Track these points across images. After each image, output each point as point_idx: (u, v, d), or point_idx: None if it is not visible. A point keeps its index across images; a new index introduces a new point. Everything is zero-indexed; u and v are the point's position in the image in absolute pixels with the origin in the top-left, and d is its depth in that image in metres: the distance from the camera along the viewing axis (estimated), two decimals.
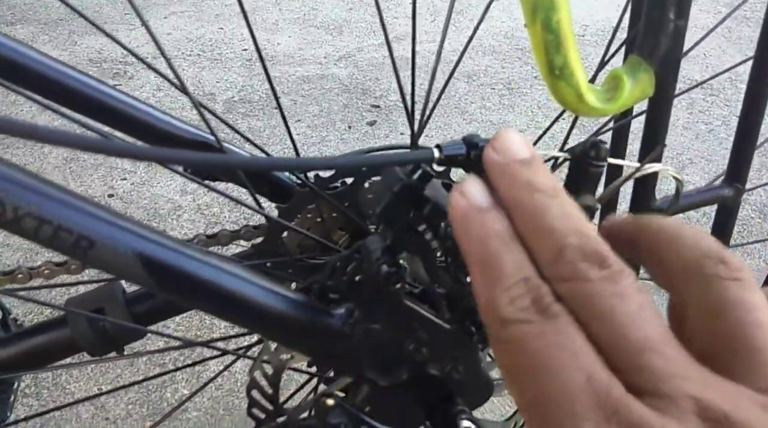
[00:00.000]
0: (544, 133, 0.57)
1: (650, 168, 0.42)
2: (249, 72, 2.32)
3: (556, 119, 0.58)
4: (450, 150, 0.37)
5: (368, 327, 0.40)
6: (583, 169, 0.40)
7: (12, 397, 0.66)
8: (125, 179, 1.85)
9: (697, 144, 1.93)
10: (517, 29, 2.62)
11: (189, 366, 1.10)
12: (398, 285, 0.39)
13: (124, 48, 0.47)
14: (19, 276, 0.56)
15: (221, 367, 1.26)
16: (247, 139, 0.51)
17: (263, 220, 0.61)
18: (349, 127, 2.01)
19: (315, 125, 2.02)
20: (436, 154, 0.37)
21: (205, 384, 0.73)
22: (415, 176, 0.38)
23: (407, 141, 0.52)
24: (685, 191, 0.50)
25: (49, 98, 0.56)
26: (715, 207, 0.53)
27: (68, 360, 0.60)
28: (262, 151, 0.53)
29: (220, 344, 0.95)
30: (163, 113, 0.58)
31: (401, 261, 0.42)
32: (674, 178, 0.44)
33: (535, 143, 0.63)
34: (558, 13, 0.38)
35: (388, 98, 2.15)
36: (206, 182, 0.57)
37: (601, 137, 0.42)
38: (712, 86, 2.23)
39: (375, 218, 0.54)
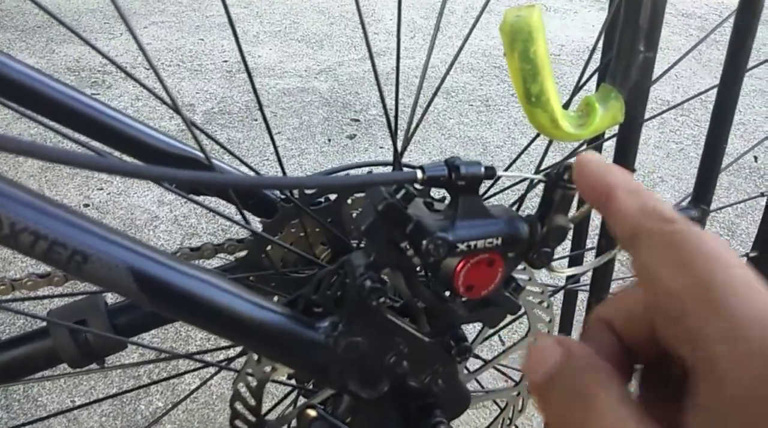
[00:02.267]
0: (520, 154, 0.59)
1: None
2: (229, 83, 2.33)
3: (531, 142, 0.60)
4: (432, 171, 0.39)
5: (351, 340, 0.42)
6: (556, 191, 0.42)
7: None
8: (101, 189, 1.83)
9: (668, 163, 1.98)
10: (494, 47, 2.67)
11: (165, 379, 1.10)
12: (381, 300, 0.41)
13: (107, 59, 0.47)
14: (1, 287, 0.56)
15: (197, 380, 1.26)
16: (235, 156, 0.53)
17: (245, 234, 0.62)
18: (329, 140, 2.03)
19: (295, 138, 2.03)
20: (419, 175, 0.38)
21: (185, 398, 0.73)
22: (399, 195, 0.40)
23: (387, 155, 0.53)
24: None
25: (34, 110, 0.56)
26: None
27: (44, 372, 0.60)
28: (250, 168, 0.54)
29: (206, 357, 0.95)
30: (150, 127, 0.59)
31: (383, 277, 0.44)
32: None
33: (511, 164, 0.66)
34: (535, 44, 0.41)
35: (367, 112, 2.17)
36: (191, 196, 0.58)
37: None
38: (682, 107, 2.30)
39: (359, 235, 0.56)
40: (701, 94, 0.57)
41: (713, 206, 0.55)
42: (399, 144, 0.52)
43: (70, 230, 0.33)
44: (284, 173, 0.56)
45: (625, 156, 0.46)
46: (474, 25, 0.58)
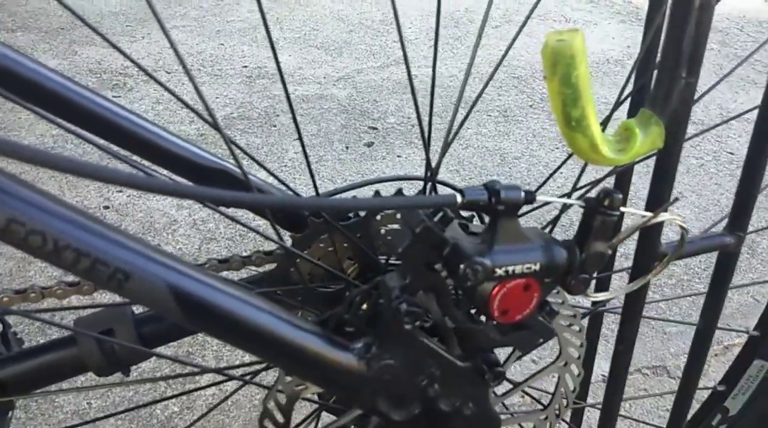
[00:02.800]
0: (552, 173, 0.59)
1: (661, 217, 0.44)
2: (248, 89, 2.34)
3: (564, 162, 0.60)
4: (472, 195, 0.39)
5: (385, 362, 0.41)
6: (596, 217, 0.41)
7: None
8: (121, 191, 1.85)
9: (688, 178, 1.97)
10: (513, 58, 2.66)
11: (182, 394, 1.10)
12: (416, 324, 0.41)
13: (134, 62, 0.47)
14: (32, 295, 0.56)
15: (214, 389, 1.26)
16: (267, 170, 0.53)
17: (272, 246, 0.62)
18: (347, 148, 2.03)
19: (313, 145, 2.03)
20: (459, 199, 0.38)
21: (208, 412, 0.73)
22: (436, 219, 0.40)
23: (404, 164, 0.53)
24: (690, 237, 0.52)
25: (55, 113, 0.56)
26: None
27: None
28: (284, 184, 0.54)
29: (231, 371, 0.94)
30: (178, 137, 0.59)
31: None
32: (680, 227, 0.46)
33: (543, 184, 0.65)
34: (578, 68, 0.40)
35: (385, 120, 2.17)
36: (220, 209, 0.58)
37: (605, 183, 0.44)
38: (702, 122, 2.28)
39: (396, 256, 0.55)
40: (743, 114, 0.56)
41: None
42: (434, 160, 0.52)
43: (113, 248, 0.33)
44: (315, 187, 0.56)
45: (664, 181, 0.46)
46: (479, 37, 0.58)
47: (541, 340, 0.46)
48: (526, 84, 2.47)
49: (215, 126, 0.43)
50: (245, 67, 2.49)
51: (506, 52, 0.55)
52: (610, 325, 1.43)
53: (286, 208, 0.48)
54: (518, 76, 2.51)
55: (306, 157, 0.49)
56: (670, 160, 0.46)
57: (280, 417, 0.45)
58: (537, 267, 0.41)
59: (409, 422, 0.44)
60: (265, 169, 0.55)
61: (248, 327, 0.36)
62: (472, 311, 0.45)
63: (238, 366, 0.59)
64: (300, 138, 0.49)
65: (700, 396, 0.95)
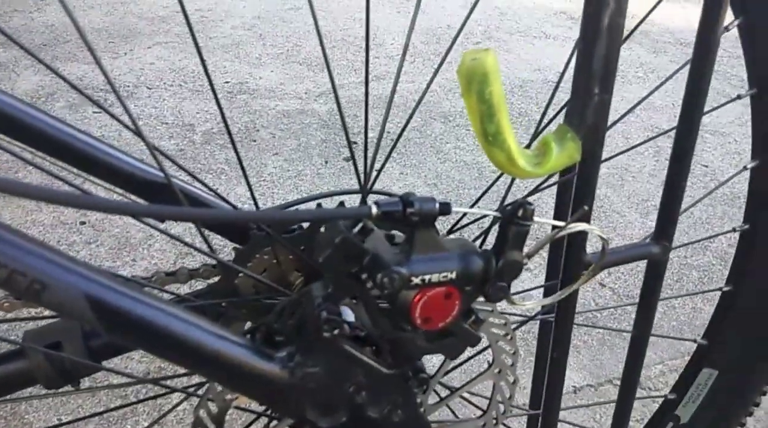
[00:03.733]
0: (484, 192, 0.61)
1: (575, 227, 0.46)
2: (229, 104, 2.36)
3: (496, 180, 0.62)
4: (387, 207, 0.40)
5: (308, 370, 0.43)
6: (510, 228, 0.43)
7: None
8: None
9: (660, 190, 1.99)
10: None
11: (151, 398, 1.10)
12: (336, 331, 0.42)
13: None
14: None
15: (186, 405, 1.26)
16: (197, 179, 0.54)
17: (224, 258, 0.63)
18: (326, 162, 2.05)
19: (292, 159, 2.05)
20: (374, 210, 0.40)
21: (162, 416, 0.73)
22: (356, 230, 0.41)
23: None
24: (615, 247, 0.54)
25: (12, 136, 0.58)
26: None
27: (28, 391, 0.61)
28: (220, 197, 0.55)
29: (170, 382, 0.95)
30: (113, 147, 0.61)
31: (344, 307, 0.45)
32: (599, 236, 0.48)
33: (476, 202, 0.67)
34: (490, 85, 0.42)
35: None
36: (154, 224, 0.60)
37: (530, 199, 0.45)
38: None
39: (318, 266, 0.57)
40: (660, 136, 0.58)
41: (694, 238, 0.56)
42: (364, 175, 0.53)
43: (29, 258, 0.34)
44: (253, 195, 0.57)
45: (583, 194, 0.47)
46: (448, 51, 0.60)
47: (468, 347, 0.48)
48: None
49: (137, 132, 0.44)
50: (227, 82, 2.52)
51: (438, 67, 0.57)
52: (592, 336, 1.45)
53: (212, 220, 0.49)
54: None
55: (241, 166, 0.50)
56: (590, 173, 0.48)
57: (212, 427, 0.46)
58: (453, 275, 0.42)
59: None
60: (188, 172, 0.56)
61: (167, 336, 0.37)
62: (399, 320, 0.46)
63: (181, 376, 0.60)
64: (234, 148, 0.51)
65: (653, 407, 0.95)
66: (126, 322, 0.36)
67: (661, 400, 0.84)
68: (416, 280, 0.41)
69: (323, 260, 0.41)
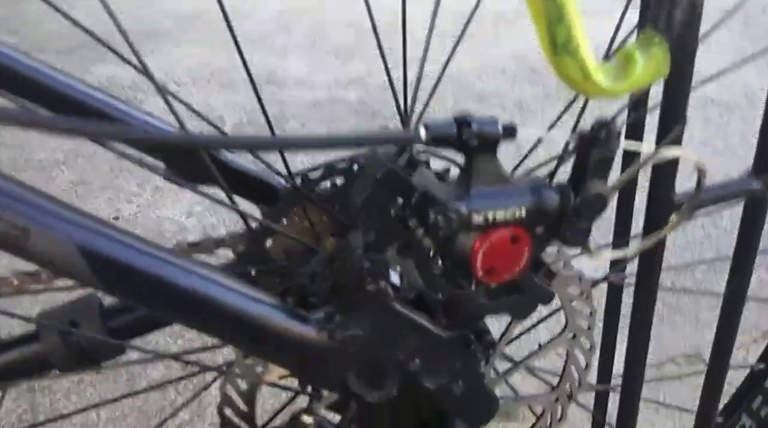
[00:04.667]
0: (560, 116, 0.53)
1: (668, 153, 0.38)
2: None
3: (571, 103, 0.54)
4: (439, 129, 0.33)
5: (350, 332, 0.36)
6: (592, 152, 0.35)
7: None
8: (131, 202, 1.83)
9: (715, 159, 1.87)
10: (528, 50, 2.59)
11: (181, 379, 1.05)
12: (382, 284, 0.35)
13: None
14: None
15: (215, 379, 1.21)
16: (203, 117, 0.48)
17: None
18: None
19: None
20: (423, 134, 0.32)
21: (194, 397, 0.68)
22: (401, 161, 0.34)
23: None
24: (709, 185, 0.45)
25: None
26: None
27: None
28: (216, 127, 0.49)
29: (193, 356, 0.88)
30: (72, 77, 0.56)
31: (389, 260, 0.38)
32: (696, 167, 0.39)
33: (552, 126, 0.59)
34: None
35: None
36: (192, 184, 0.54)
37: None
38: (728, 103, 2.19)
39: (357, 210, 0.50)
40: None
41: None
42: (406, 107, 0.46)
43: (8, 202, 0.28)
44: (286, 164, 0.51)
45: (674, 114, 0.39)
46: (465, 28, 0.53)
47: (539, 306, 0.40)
48: (541, 76, 2.40)
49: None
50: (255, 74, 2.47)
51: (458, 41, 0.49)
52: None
53: (178, 144, 0.42)
54: (533, 68, 2.44)
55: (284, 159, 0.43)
56: (679, 91, 0.40)
57: (243, 406, 0.39)
58: (523, 212, 0.35)
59: (388, 404, 0.38)
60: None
61: (177, 294, 0.30)
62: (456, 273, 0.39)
63: (209, 349, 0.54)
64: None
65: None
66: (127, 276, 0.30)
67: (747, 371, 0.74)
68: (478, 219, 0.34)
69: (363, 200, 0.34)
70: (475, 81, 2.38)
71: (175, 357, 0.47)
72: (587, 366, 0.48)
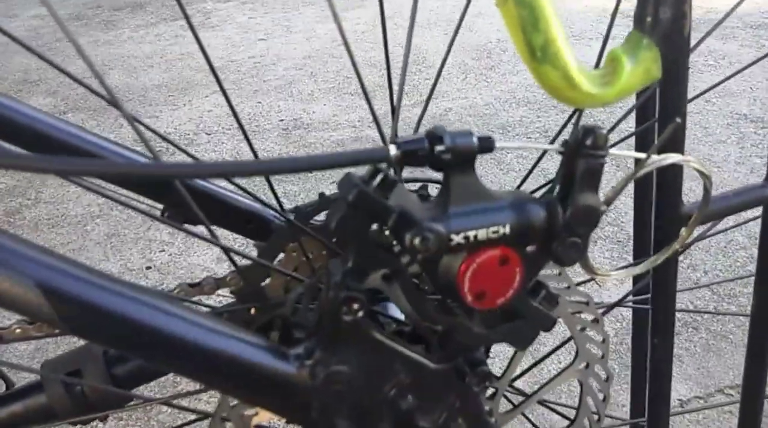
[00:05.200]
0: (560, 131, 0.51)
1: (664, 160, 0.35)
2: (285, 140, 2.36)
3: (569, 120, 0.51)
4: (409, 145, 0.31)
5: (333, 368, 0.33)
6: (578, 162, 0.33)
7: None
8: (163, 251, 1.86)
9: (753, 178, 1.80)
10: None
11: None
12: (358, 313, 0.33)
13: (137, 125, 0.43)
14: None
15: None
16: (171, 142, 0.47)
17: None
18: None
19: None
20: (393, 150, 0.31)
21: None
22: (375, 182, 0.33)
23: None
24: (720, 193, 0.42)
25: None
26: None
27: None
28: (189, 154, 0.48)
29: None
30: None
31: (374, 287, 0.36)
32: (697, 170, 0.37)
33: (555, 137, 0.56)
34: None
35: None
36: (185, 227, 0.53)
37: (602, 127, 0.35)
38: (763, 120, 2.12)
39: (330, 234, 0.48)
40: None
41: None
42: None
43: None
44: (276, 198, 0.49)
45: (669, 119, 0.37)
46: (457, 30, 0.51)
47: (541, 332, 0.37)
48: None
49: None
50: (281, 120, 2.52)
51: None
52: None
53: (138, 175, 0.41)
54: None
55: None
56: (675, 90, 0.37)
57: None
58: (507, 230, 0.32)
59: None
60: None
61: (142, 332, 0.29)
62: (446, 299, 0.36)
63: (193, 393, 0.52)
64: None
65: None
66: (91, 315, 0.28)
67: None
68: (457, 239, 0.32)
69: (335, 226, 0.32)
70: (499, 111, 2.37)
71: (166, 402, 0.45)
72: (605, 398, 0.44)
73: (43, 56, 0.42)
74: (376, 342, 0.34)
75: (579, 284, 0.51)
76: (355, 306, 0.32)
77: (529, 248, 0.34)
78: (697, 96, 0.45)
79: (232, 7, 4.17)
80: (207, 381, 0.33)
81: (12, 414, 0.53)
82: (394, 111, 0.45)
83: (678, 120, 0.33)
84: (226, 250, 0.41)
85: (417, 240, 0.31)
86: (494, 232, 0.32)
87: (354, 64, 0.43)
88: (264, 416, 0.37)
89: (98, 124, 2.58)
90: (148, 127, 0.46)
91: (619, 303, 0.50)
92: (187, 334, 0.30)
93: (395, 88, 0.48)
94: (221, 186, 0.54)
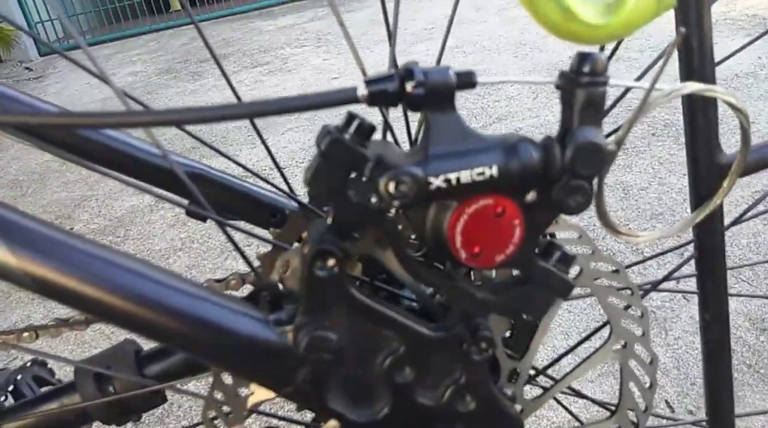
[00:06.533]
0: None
1: (681, 89, 0.30)
2: None
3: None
4: (379, 84, 0.29)
5: (315, 334, 0.31)
6: (576, 93, 0.29)
7: None
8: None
9: None
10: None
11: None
12: (335, 268, 0.30)
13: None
14: (25, 334, 0.53)
15: None
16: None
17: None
18: None
19: None
20: (361, 90, 0.29)
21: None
22: (351, 129, 0.30)
23: None
24: (761, 142, 0.36)
25: None
26: None
27: None
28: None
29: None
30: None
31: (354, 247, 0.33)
32: (728, 103, 0.32)
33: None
34: None
35: None
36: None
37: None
38: None
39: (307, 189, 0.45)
40: None
41: None
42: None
43: None
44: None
45: (694, 54, 0.32)
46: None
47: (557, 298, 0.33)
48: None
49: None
50: None
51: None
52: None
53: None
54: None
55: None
56: (699, 26, 0.33)
57: None
58: (494, 171, 0.29)
59: (379, 425, 0.32)
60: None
61: (96, 288, 0.27)
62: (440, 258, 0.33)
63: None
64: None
65: None
66: (49, 269, 0.27)
67: None
68: (437, 182, 0.29)
69: (310, 177, 0.30)
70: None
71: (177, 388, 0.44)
72: (651, 385, 0.38)
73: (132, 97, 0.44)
74: (363, 305, 0.31)
75: (628, 267, 0.46)
76: (330, 261, 0.30)
77: (529, 197, 0.30)
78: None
79: (308, 51, 4.35)
80: (174, 343, 0.31)
81: (46, 416, 0.54)
82: (391, 36, 0.42)
83: (683, 30, 0.28)
84: (237, 245, 0.39)
85: (392, 185, 0.28)
86: (480, 174, 0.29)
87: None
88: (260, 395, 0.35)
89: None
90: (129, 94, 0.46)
91: (666, 278, 0.44)
92: (154, 295, 0.28)
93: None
94: (244, 179, 0.53)
